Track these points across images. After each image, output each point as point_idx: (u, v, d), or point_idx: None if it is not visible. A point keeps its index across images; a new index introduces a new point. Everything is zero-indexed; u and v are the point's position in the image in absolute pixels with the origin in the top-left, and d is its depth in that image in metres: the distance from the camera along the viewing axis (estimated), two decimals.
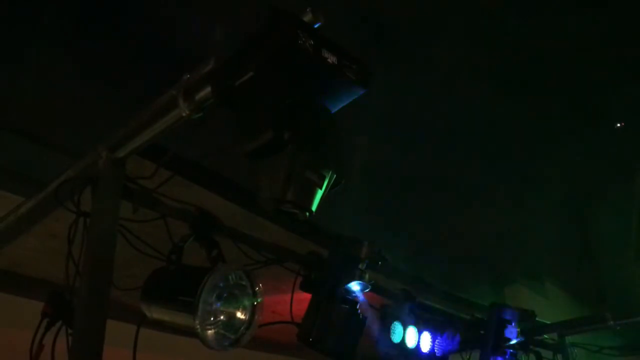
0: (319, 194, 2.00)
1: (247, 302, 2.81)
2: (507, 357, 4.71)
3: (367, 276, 3.46)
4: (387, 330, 4.17)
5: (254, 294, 2.82)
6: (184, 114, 2.26)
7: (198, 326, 2.60)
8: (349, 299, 3.47)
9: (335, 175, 2.04)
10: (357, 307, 3.53)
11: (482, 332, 4.76)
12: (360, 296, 3.50)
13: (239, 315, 2.80)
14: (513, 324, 4.69)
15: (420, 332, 4.39)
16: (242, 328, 2.79)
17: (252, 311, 2.81)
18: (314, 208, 1.99)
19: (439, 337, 4.51)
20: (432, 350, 4.46)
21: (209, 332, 2.66)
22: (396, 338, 4.21)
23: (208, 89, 2.16)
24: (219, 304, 2.72)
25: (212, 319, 2.68)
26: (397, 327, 4.22)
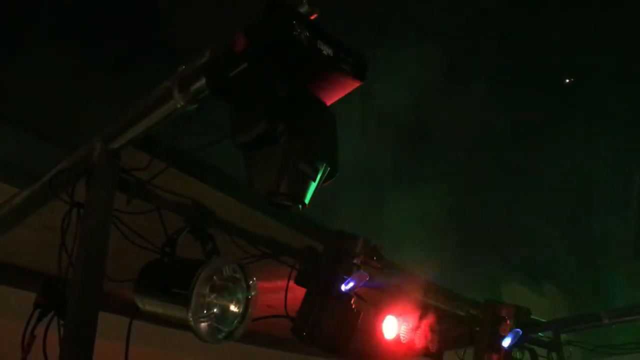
0: (313, 186, 1.98)
1: (240, 296, 2.80)
2: (501, 354, 4.71)
3: (361, 271, 3.45)
4: (381, 325, 4.17)
5: (248, 288, 2.81)
6: (178, 105, 2.26)
7: (191, 319, 2.59)
8: (344, 293, 3.46)
9: (329, 168, 2.03)
10: (352, 301, 3.52)
11: (477, 328, 4.76)
12: (355, 291, 3.49)
13: (233, 308, 2.79)
14: (508, 321, 4.69)
15: (414, 328, 4.38)
16: (235, 321, 2.79)
17: (246, 304, 2.80)
18: (307, 201, 1.98)
19: (433, 333, 4.51)
20: (426, 346, 4.46)
21: (202, 324, 2.66)
22: (390, 333, 4.21)
23: (203, 81, 2.15)
24: (212, 296, 2.71)
25: (205, 311, 2.67)
26: (391, 322, 4.22)
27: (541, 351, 5.44)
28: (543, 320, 5.47)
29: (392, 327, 4.24)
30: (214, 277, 2.71)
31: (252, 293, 2.82)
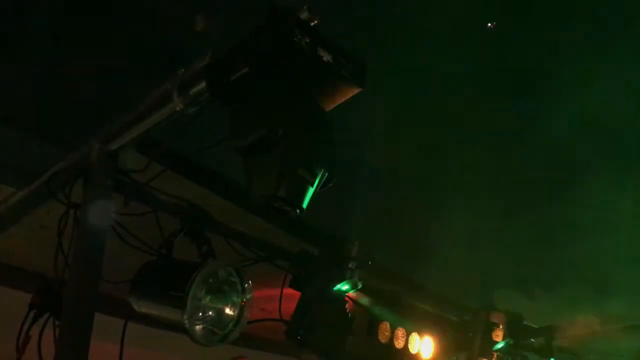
0: (310, 191, 1.99)
1: (236, 299, 2.80)
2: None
3: (356, 276, 3.47)
4: (375, 330, 4.18)
5: (244, 291, 2.81)
6: (178, 108, 2.26)
7: (186, 321, 2.59)
8: (338, 297, 3.47)
9: (326, 174, 2.04)
10: (346, 306, 3.54)
11: (470, 334, 4.78)
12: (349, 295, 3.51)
13: (228, 311, 2.79)
14: (501, 327, 4.72)
15: (408, 333, 4.40)
16: (230, 324, 2.79)
17: (241, 308, 2.80)
18: (305, 205, 1.99)
19: (427, 339, 4.52)
20: (419, 351, 4.48)
21: (197, 327, 2.66)
22: (384, 338, 4.22)
23: (203, 84, 2.15)
24: (208, 299, 2.71)
25: (200, 314, 2.67)
26: (385, 328, 4.23)
27: (533, 357, 5.46)
28: (535, 326, 5.49)
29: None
30: (210, 280, 2.71)
31: (248, 296, 2.82)
